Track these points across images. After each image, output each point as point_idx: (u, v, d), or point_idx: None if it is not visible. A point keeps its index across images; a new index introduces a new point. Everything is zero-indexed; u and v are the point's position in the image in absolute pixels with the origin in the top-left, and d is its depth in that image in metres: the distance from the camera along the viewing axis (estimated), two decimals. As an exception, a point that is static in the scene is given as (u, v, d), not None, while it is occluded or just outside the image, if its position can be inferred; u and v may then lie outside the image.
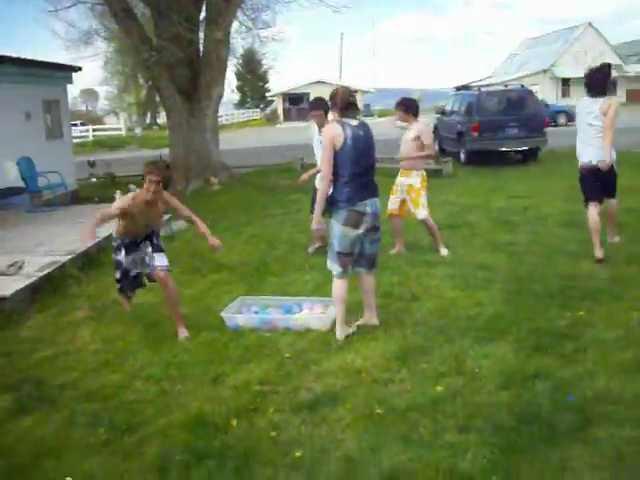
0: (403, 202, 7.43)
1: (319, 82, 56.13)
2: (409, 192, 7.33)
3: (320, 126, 6.94)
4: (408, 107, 7.38)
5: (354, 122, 4.90)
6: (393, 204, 7.45)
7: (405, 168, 7.41)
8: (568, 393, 3.80)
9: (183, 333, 5.31)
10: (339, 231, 4.87)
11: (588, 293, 5.68)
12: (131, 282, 5.80)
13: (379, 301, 5.52)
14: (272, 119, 57.10)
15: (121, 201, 5.42)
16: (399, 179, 7.49)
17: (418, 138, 7.22)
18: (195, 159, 15.13)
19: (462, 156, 17.04)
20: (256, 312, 5.53)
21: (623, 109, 11.82)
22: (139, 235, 5.51)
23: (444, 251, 7.35)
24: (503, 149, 15.76)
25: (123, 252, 5.57)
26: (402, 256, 7.26)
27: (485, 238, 7.98)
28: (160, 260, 5.39)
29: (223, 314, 5.44)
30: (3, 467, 3.52)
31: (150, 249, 5.48)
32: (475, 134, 15.86)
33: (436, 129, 20.42)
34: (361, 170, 4.84)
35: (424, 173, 7.46)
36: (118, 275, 5.72)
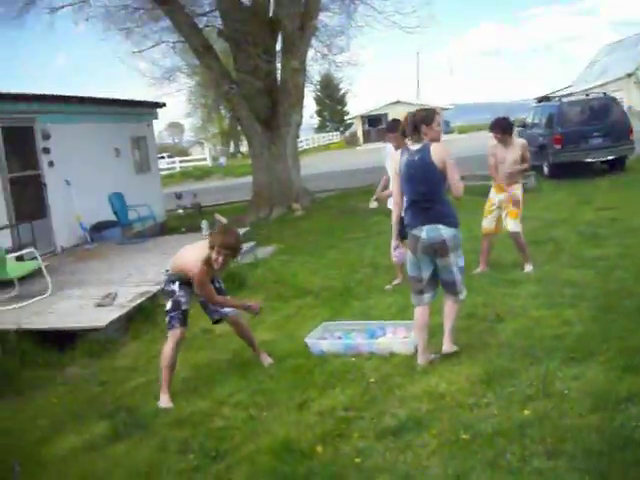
0: (499, 220, 7.44)
1: (397, 102, 56.21)
2: (508, 205, 7.31)
3: (397, 148, 6.98)
4: (504, 128, 7.37)
5: (415, 147, 4.87)
6: (489, 223, 7.50)
7: (505, 183, 7.36)
8: (663, 416, 3.63)
9: (266, 360, 5.42)
10: (407, 255, 5.02)
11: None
12: (180, 315, 5.23)
13: (462, 323, 5.48)
14: (352, 142, 57.46)
15: (197, 276, 5.01)
16: (495, 196, 7.49)
17: (520, 157, 7.30)
18: (277, 186, 15.44)
19: (545, 169, 16.62)
20: (340, 337, 5.58)
21: None
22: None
23: (529, 267, 7.22)
24: (588, 160, 15.25)
25: (177, 284, 5.19)
26: (485, 275, 7.16)
27: (571, 253, 7.77)
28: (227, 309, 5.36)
29: (307, 340, 5.51)
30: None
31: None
32: (558, 146, 15.47)
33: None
34: (416, 196, 4.83)
35: (519, 185, 7.53)
36: (169, 306, 5.23)
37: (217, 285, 5.34)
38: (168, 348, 5.04)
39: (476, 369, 4.62)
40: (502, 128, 7.36)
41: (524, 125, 19.77)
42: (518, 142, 7.43)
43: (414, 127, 4.86)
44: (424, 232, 4.76)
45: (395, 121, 7.40)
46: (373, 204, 7.45)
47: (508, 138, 7.35)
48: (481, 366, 4.67)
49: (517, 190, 7.36)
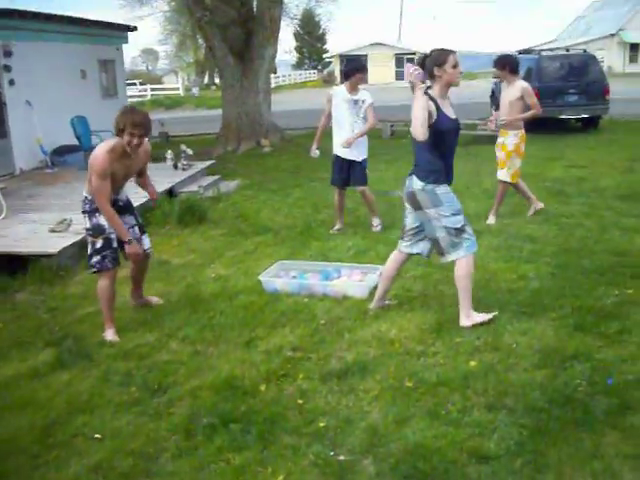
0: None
1: (378, 44, 55.32)
2: (501, 150, 7.27)
3: (350, 90, 6.83)
4: (507, 64, 7.12)
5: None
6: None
7: (505, 129, 7.22)
8: (607, 376, 3.64)
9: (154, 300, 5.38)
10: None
11: (639, 270, 5.45)
12: (114, 254, 4.72)
13: (419, 271, 5.44)
14: (329, 80, 56.56)
15: (98, 162, 4.50)
16: (498, 141, 7.39)
17: (522, 98, 7.03)
18: (247, 120, 15.11)
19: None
20: (294, 277, 5.50)
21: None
22: (119, 191, 4.85)
23: (492, 219, 7.25)
24: (562, 117, 15.18)
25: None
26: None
27: (536, 208, 7.72)
28: (148, 242, 5.07)
29: (261, 277, 5.43)
30: (39, 420, 3.59)
31: (137, 228, 4.95)
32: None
33: (493, 94, 19.90)
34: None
35: (523, 133, 7.28)
36: (99, 244, 4.64)
37: (139, 219, 5.04)
38: (104, 284, 4.73)
39: (428, 317, 4.61)
40: (502, 64, 7.13)
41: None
42: (518, 84, 7.12)
43: (427, 71, 4.39)
44: (407, 180, 4.55)
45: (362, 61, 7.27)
46: (315, 153, 7.19)
47: (508, 75, 7.11)
48: (433, 314, 4.66)
49: (512, 139, 7.20)
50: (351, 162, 6.96)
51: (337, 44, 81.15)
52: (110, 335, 4.75)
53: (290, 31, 51.85)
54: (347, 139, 6.79)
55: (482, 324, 4.39)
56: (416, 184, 4.43)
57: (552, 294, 4.97)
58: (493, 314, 4.48)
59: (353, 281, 5.31)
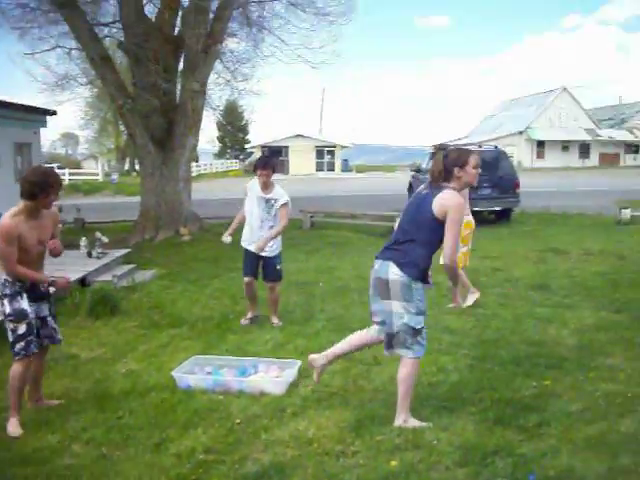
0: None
1: (298, 136, 56.70)
2: None
3: (265, 186, 6.77)
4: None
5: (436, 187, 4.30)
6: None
7: None
8: (529, 472, 3.57)
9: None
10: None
11: (555, 361, 5.53)
12: (37, 338, 4.58)
13: (339, 365, 5.32)
14: (250, 170, 57.24)
15: (3, 227, 4.32)
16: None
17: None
18: (166, 208, 14.95)
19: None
20: (209, 372, 5.28)
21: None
22: (38, 266, 4.61)
23: (474, 295, 7.60)
24: (476, 209, 15.68)
25: (25, 298, 4.49)
26: (367, 316, 7.03)
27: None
28: (59, 333, 4.89)
29: (174, 374, 5.19)
30: None
31: (51, 317, 4.78)
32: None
33: (411, 187, 20.55)
34: (398, 231, 4.48)
35: (468, 219, 7.54)
36: (22, 330, 4.45)
37: (53, 308, 4.84)
38: (20, 370, 4.52)
39: (347, 414, 4.47)
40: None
41: (418, 170, 20.30)
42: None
43: (446, 170, 4.23)
44: (378, 264, 4.43)
45: (269, 157, 7.23)
46: (227, 239, 7.02)
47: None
48: (352, 411, 4.52)
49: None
50: (263, 257, 6.85)
51: (259, 135, 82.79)
52: (13, 426, 4.41)
53: (213, 120, 52.57)
54: (258, 244, 6.64)
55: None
56: (393, 273, 4.22)
57: (471, 387, 4.94)
58: (427, 424, 4.30)
59: (270, 377, 5.14)
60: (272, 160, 6.94)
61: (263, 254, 6.78)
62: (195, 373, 5.29)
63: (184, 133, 15.00)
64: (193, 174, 47.94)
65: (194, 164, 50.24)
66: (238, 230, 7.06)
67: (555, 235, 14.13)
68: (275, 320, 7.00)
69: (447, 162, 4.24)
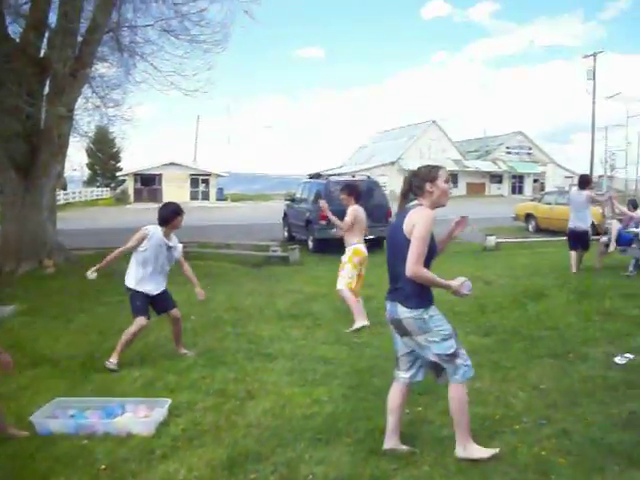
0: (359, 278, 8.35)
1: (172, 164, 55.83)
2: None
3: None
4: (353, 192, 8.41)
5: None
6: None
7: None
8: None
9: None
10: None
11: (427, 387, 5.57)
12: None
13: (211, 401, 5.16)
14: (122, 199, 55.67)
15: None
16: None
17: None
18: (29, 239, 14.09)
19: (310, 244, 17.20)
20: (72, 416, 4.94)
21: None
22: None
23: (359, 324, 7.84)
24: (349, 238, 15.99)
25: None
26: (241, 349, 6.93)
27: (328, 329, 7.85)
28: None
29: (33, 419, 4.81)
30: None
31: None
32: (323, 222, 16.08)
33: (286, 216, 20.66)
34: (388, 264, 4.36)
35: (356, 247, 8.25)
36: None
37: None
38: None
39: (220, 452, 4.31)
40: (348, 191, 8.46)
41: (292, 199, 20.45)
42: (354, 207, 8.29)
43: (417, 187, 4.20)
44: (388, 305, 4.30)
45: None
46: (92, 275, 6.65)
47: (351, 201, 8.34)
48: (225, 449, 4.36)
49: (346, 253, 8.35)
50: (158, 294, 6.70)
51: (132, 162, 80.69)
52: None
53: (82, 147, 50.70)
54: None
55: None
56: (402, 312, 4.13)
57: (346, 417, 4.92)
58: (494, 451, 4.17)
59: (138, 417, 4.87)
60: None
61: (156, 292, 6.65)
62: (57, 417, 4.93)
63: (49, 159, 14.27)
64: (60, 202, 45.83)
65: (61, 192, 48.14)
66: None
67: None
68: (184, 350, 6.82)
69: (417, 179, 4.20)
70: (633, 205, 12.85)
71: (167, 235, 6.62)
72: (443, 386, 5.53)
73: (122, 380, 6.01)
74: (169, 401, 5.05)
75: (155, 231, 6.59)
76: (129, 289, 6.65)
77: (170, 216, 6.58)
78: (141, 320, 6.55)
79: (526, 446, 4.34)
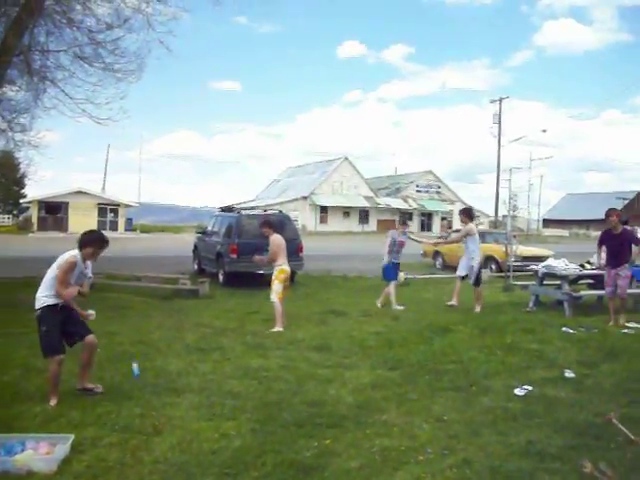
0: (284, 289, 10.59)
1: (80, 192, 54.39)
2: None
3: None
4: (270, 224, 11.06)
5: None
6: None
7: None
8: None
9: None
10: None
11: (335, 420, 5.69)
12: None
13: (115, 437, 5.03)
14: (25, 227, 53.62)
15: None
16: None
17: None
18: None
19: (221, 277, 17.10)
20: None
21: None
22: None
23: (277, 329, 9.91)
24: (260, 272, 15.94)
25: None
26: (148, 383, 6.79)
27: (237, 363, 7.80)
28: None
29: None
30: None
31: None
32: (234, 256, 16.06)
33: (196, 248, 20.47)
34: None
35: (281, 268, 10.58)
36: None
37: None
38: None
39: (124, 490, 4.21)
40: (267, 224, 11.06)
41: (204, 232, 20.30)
42: (275, 237, 10.67)
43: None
44: None
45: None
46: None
47: (271, 233, 10.69)
48: (130, 486, 4.27)
49: (274, 271, 10.64)
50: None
51: (37, 189, 77.95)
52: None
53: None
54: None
55: None
56: None
57: (254, 451, 4.91)
58: None
59: (39, 454, 4.70)
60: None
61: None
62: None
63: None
64: (-43, 230, 43.67)
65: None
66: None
67: (336, 297, 14.77)
68: (90, 385, 6.50)
69: None
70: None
71: (84, 262, 6.39)
72: (350, 420, 5.66)
73: (22, 416, 5.76)
74: (72, 437, 4.90)
75: (80, 257, 6.36)
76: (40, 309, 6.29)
77: (92, 241, 6.38)
78: (58, 358, 6.22)
79: (429, 476, 4.47)
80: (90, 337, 6.44)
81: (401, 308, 12.58)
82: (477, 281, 12.52)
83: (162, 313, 11.93)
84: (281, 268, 10.56)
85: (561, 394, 6.56)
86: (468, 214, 13.05)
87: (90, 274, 6.53)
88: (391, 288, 12.89)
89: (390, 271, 13.07)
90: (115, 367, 7.50)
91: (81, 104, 15.85)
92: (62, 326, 6.28)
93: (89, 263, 6.49)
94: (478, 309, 12.20)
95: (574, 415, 5.84)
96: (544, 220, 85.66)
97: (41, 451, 4.75)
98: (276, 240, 10.67)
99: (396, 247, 13.07)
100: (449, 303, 12.82)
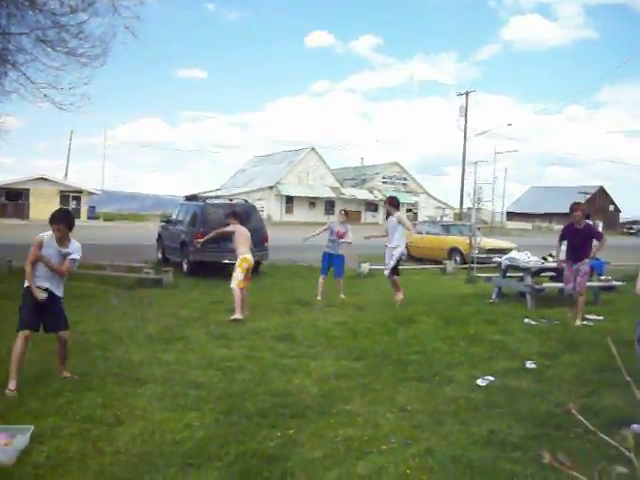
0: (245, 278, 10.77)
1: (42, 179, 53.44)
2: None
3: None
4: (236, 215, 11.32)
5: None
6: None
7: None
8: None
9: None
10: None
11: (299, 410, 5.70)
12: None
13: (77, 427, 4.97)
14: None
15: None
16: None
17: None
18: None
19: (185, 266, 16.96)
20: None
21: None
22: None
23: (236, 316, 10.05)
24: (225, 261, 15.82)
25: None
26: (110, 373, 6.70)
27: (200, 353, 7.75)
28: None
29: None
30: None
31: None
32: (198, 244, 15.92)
33: (160, 237, 20.26)
34: None
35: (244, 256, 10.83)
36: None
37: None
38: None
39: (85, 481, 4.15)
40: (234, 215, 11.30)
41: (168, 221, 20.09)
42: (239, 228, 10.97)
43: None
44: None
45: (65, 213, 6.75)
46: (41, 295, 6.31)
47: (236, 223, 11.01)
48: (92, 476, 4.23)
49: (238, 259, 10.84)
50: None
51: (-2, 176, 76.29)
52: None
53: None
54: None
55: None
56: None
57: (217, 441, 4.89)
58: None
59: (-2, 445, 4.62)
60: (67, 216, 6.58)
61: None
62: None
63: None
64: None
65: None
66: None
67: (300, 287, 14.76)
68: (67, 374, 6.55)
69: None
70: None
71: (61, 243, 6.45)
72: (314, 410, 5.67)
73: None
74: (32, 428, 4.82)
75: (48, 236, 6.45)
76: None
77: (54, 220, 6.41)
78: (23, 333, 6.27)
79: (392, 465, 4.50)
80: (63, 333, 6.57)
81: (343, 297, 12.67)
82: (394, 271, 11.94)
83: (125, 302, 11.79)
84: (244, 257, 10.81)
85: (522, 385, 6.66)
86: (394, 203, 12.34)
87: (73, 255, 6.49)
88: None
89: (324, 262, 13.06)
90: (76, 356, 7.38)
91: (43, 89, 15.56)
92: (42, 313, 6.37)
93: (72, 243, 6.52)
94: (399, 298, 11.88)
95: (535, 405, 5.94)
96: (508, 213, 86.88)
97: (0, 442, 4.67)
98: (240, 229, 10.99)
99: (333, 237, 12.94)
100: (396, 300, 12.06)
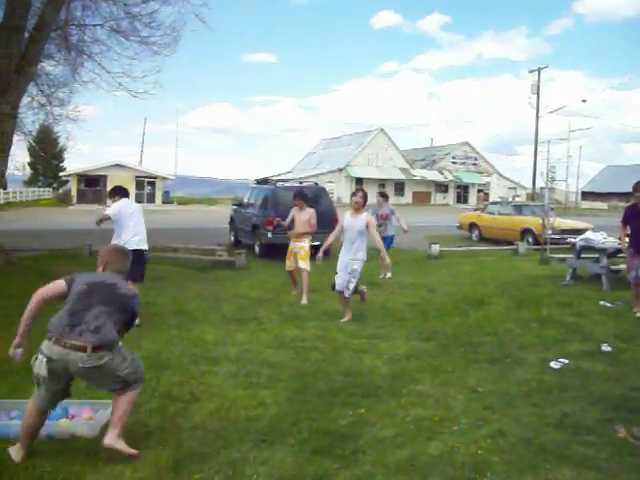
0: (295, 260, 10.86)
1: (117, 165, 54.98)
2: (299, 251, 10.82)
3: None
4: (303, 197, 11.27)
5: None
6: (290, 264, 11.02)
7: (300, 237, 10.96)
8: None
9: None
10: None
11: (370, 390, 5.76)
12: None
13: (156, 403, 5.17)
14: (65, 200, 54.55)
15: None
16: (292, 244, 11.04)
17: (309, 219, 10.99)
18: (-32, 239, 13.78)
19: (257, 249, 17.23)
20: (12, 418, 4.89)
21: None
22: None
23: (305, 300, 10.18)
24: (297, 243, 16.01)
25: None
26: (186, 352, 6.93)
27: (273, 333, 7.91)
28: None
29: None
30: None
31: None
32: (270, 228, 16.13)
33: (232, 220, 20.62)
34: None
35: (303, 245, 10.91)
36: None
37: None
38: None
39: (165, 453, 4.34)
40: (301, 196, 11.20)
41: (240, 204, 20.41)
42: (309, 210, 11.05)
43: None
44: None
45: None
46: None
47: (303, 204, 11.03)
48: (171, 450, 4.40)
49: (304, 243, 10.91)
50: None
51: (76, 162, 79.11)
52: None
53: (24, 146, 49.39)
54: None
55: None
56: None
57: (290, 419, 5.00)
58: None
59: (82, 419, 4.86)
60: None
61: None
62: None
63: (-10, 159, 13.96)
64: (0, 202, 44.60)
65: (1, 191, 46.92)
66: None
67: (371, 269, 14.75)
68: None
69: None
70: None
71: None
72: (385, 390, 5.71)
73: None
74: (113, 403, 5.04)
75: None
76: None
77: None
78: None
79: (463, 446, 4.51)
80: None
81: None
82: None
83: (199, 284, 12.10)
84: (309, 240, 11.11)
85: (597, 368, 6.53)
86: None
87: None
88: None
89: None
90: (153, 336, 7.66)
91: (118, 77, 16.04)
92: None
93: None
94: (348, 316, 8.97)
95: (610, 389, 5.82)
96: (583, 192, 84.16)
97: (83, 416, 4.91)
98: (314, 213, 11.16)
99: (378, 221, 13.24)
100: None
